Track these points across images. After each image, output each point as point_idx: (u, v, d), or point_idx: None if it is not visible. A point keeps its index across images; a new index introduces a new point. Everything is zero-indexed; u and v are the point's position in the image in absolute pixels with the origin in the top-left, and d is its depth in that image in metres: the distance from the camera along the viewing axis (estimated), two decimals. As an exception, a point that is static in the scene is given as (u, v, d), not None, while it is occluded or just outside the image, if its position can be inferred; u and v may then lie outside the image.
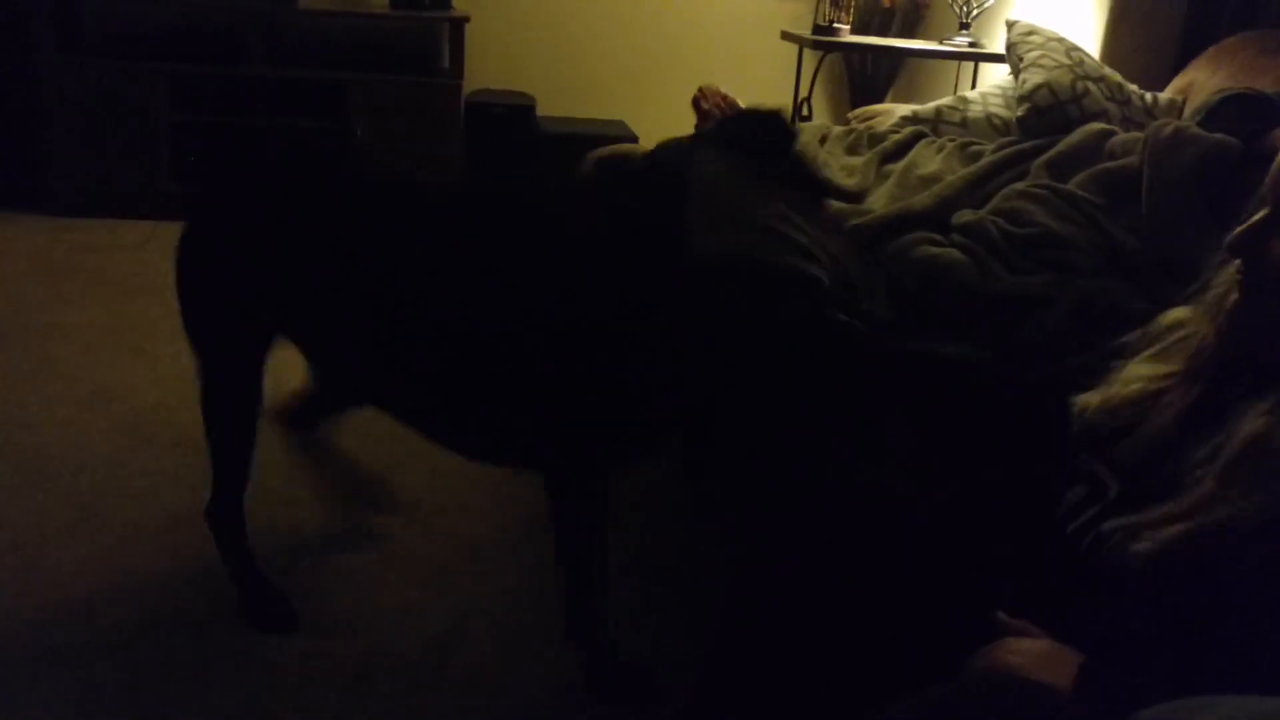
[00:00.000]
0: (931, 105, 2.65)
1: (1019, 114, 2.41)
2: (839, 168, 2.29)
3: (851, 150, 2.48)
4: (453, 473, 2.34)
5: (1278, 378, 1.01)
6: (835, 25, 3.75)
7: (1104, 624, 1.02)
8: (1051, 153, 2.12)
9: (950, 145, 2.30)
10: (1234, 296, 1.07)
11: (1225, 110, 2.10)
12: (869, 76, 4.49)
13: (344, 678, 1.72)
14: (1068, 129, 2.26)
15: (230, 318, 1.73)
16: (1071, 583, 1.09)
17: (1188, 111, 2.45)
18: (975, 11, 3.76)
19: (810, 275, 1.47)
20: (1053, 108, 2.37)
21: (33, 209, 3.95)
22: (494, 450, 1.72)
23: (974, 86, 3.85)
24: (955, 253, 1.82)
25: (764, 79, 4.46)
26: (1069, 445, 1.19)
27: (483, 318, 1.53)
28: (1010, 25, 2.75)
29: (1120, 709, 0.84)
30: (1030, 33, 2.66)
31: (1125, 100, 2.49)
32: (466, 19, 4.17)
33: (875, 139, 2.47)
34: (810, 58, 3.93)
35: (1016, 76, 2.58)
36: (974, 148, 2.27)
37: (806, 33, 3.82)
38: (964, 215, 1.95)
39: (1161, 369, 1.14)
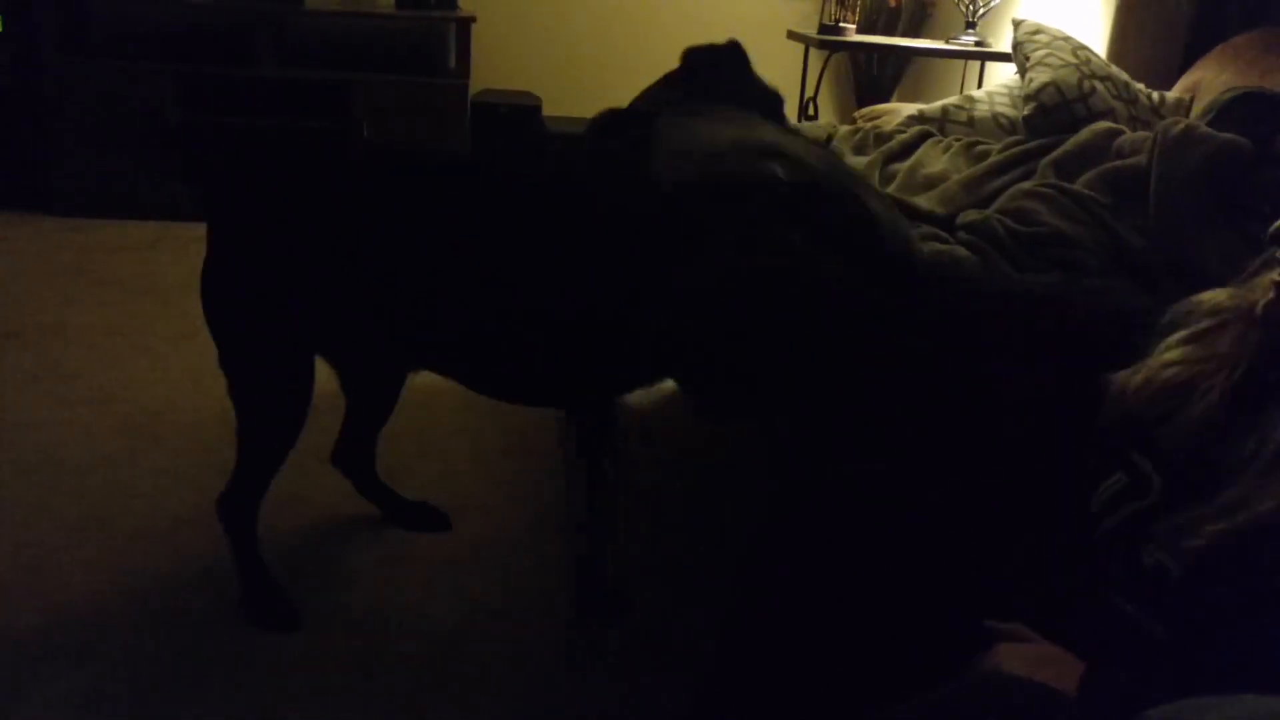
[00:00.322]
0: (938, 104, 2.65)
1: (1025, 113, 2.41)
2: None
3: (858, 150, 2.48)
4: (461, 472, 2.35)
5: None
6: (841, 24, 3.75)
7: (1127, 623, 1.02)
8: (1058, 152, 2.12)
9: (956, 145, 2.29)
10: (1275, 287, 1.06)
11: (1235, 109, 2.09)
12: (875, 76, 4.49)
13: (351, 676, 1.72)
14: (1074, 128, 2.26)
15: (281, 333, 1.69)
16: (1096, 579, 1.08)
17: (1196, 110, 2.45)
18: (981, 10, 3.75)
19: (767, 172, 1.49)
20: (1059, 107, 2.36)
21: (39, 210, 3.96)
22: (523, 391, 1.80)
23: (980, 86, 3.84)
24: (962, 250, 1.81)
25: (770, 78, 4.46)
26: (1104, 431, 1.16)
27: (494, 271, 1.59)
28: (1016, 24, 2.74)
29: (1124, 712, 0.84)
30: (1036, 32, 2.66)
31: (1132, 99, 2.48)
32: (472, 19, 4.17)
33: (881, 139, 2.47)
34: (816, 57, 3.93)
35: (1023, 75, 2.57)
36: (980, 147, 2.27)
37: (812, 32, 3.82)
38: (970, 214, 1.95)
39: (1199, 352, 1.12)
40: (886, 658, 1.11)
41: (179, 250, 3.62)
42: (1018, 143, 2.24)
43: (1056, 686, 0.94)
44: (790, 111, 3.98)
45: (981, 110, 2.60)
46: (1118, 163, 2.00)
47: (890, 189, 2.18)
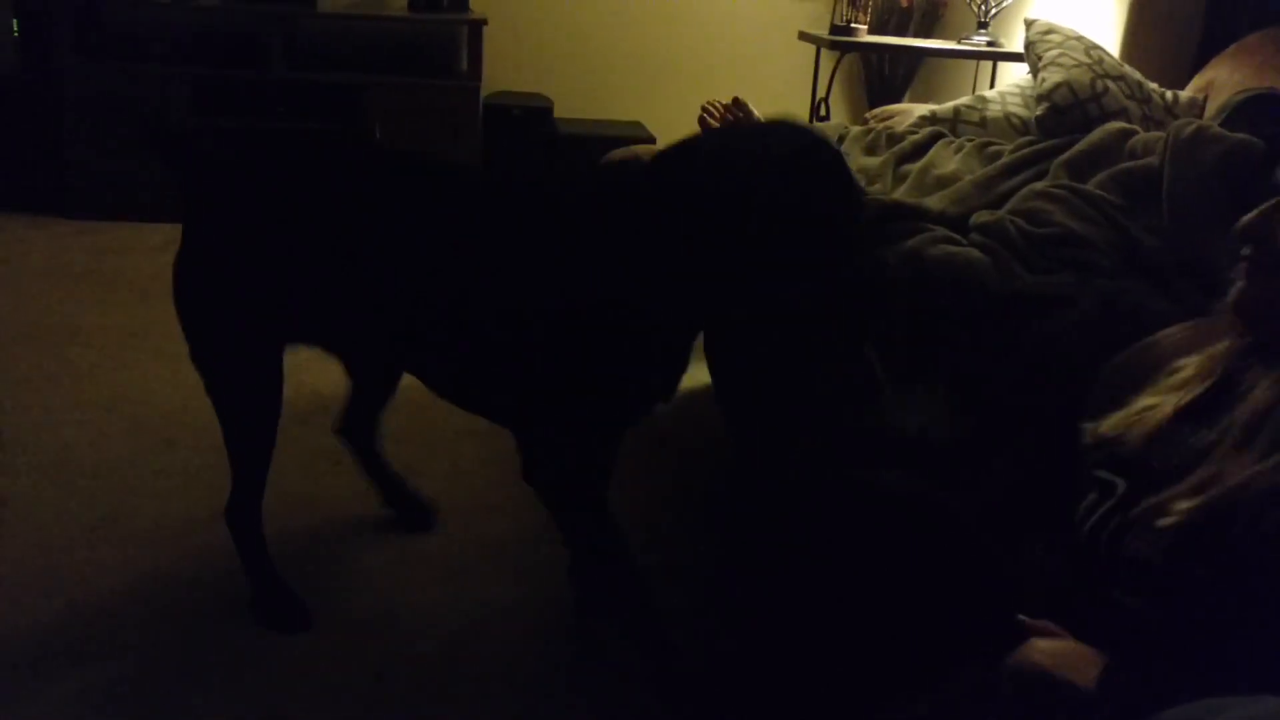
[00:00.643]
0: (950, 105, 2.64)
1: (1038, 113, 2.40)
2: (856, 169, 2.28)
3: (869, 151, 2.48)
4: (471, 472, 2.35)
5: None
6: (853, 25, 3.74)
7: (1127, 617, 1.02)
8: (1071, 152, 2.11)
9: (969, 145, 2.29)
10: (1245, 275, 1.09)
11: (1248, 110, 2.08)
12: (887, 76, 4.48)
13: (363, 677, 1.73)
14: (1087, 128, 2.25)
15: (247, 326, 1.71)
16: (1092, 581, 1.09)
17: (1210, 110, 2.43)
18: (993, 10, 3.74)
19: None
20: (1072, 106, 2.35)
21: (53, 212, 3.98)
22: (487, 406, 1.72)
23: (992, 86, 3.83)
24: (974, 252, 1.81)
25: (781, 79, 4.46)
26: (1080, 458, 1.19)
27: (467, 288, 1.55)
28: (1029, 24, 2.73)
29: (1143, 708, 0.84)
30: (1049, 31, 2.64)
31: (1145, 99, 2.47)
32: (484, 21, 4.18)
33: (893, 139, 2.46)
34: (828, 58, 3.93)
35: (1035, 75, 2.56)
36: (993, 148, 2.26)
37: (824, 33, 3.82)
38: (982, 215, 1.94)
39: (1169, 387, 1.16)
40: (921, 653, 1.11)
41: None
42: (1030, 143, 2.23)
43: (1080, 683, 0.95)
44: (802, 113, 3.98)
45: (994, 110, 2.58)
46: (1130, 163, 1.99)
47: (902, 189, 2.17)
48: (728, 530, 1.73)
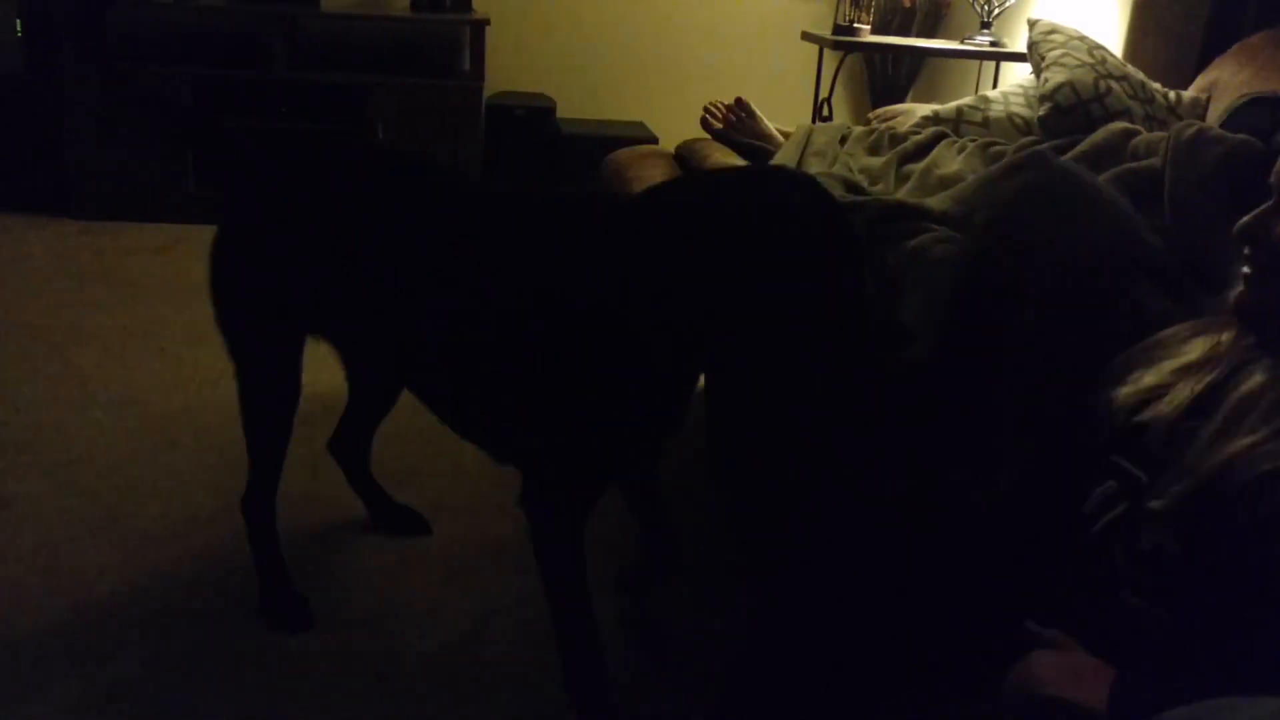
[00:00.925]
0: (953, 105, 2.64)
1: (1041, 113, 2.40)
2: (859, 169, 2.28)
3: (872, 151, 2.47)
4: (474, 473, 2.35)
5: None
6: (856, 25, 3.74)
7: (1133, 618, 1.02)
8: (1074, 152, 2.11)
9: (972, 145, 2.28)
10: (1244, 279, 1.10)
11: (1249, 112, 2.08)
12: (889, 76, 4.48)
13: (365, 677, 1.73)
14: (1090, 128, 2.24)
15: (267, 315, 1.74)
16: (1100, 580, 1.08)
17: (1213, 114, 2.43)
18: (996, 10, 3.74)
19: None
20: (1075, 107, 2.35)
21: (57, 212, 3.99)
22: (488, 438, 1.70)
23: (995, 86, 3.83)
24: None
25: (784, 79, 4.46)
26: (1100, 446, 1.18)
27: (470, 307, 1.53)
28: (1032, 24, 2.73)
29: None
30: (1052, 31, 2.64)
31: (1148, 99, 2.47)
32: (487, 21, 4.18)
33: (896, 139, 2.46)
34: (831, 58, 3.92)
35: (1038, 75, 2.56)
36: (996, 148, 2.26)
37: (827, 33, 3.82)
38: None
39: (1174, 366, 1.17)
40: (926, 660, 1.11)
41: (195, 252, 3.61)
42: (1033, 143, 2.23)
43: (1087, 704, 0.94)
44: (804, 113, 3.99)
45: (997, 111, 2.58)
46: (1133, 164, 1.99)
47: (905, 189, 2.16)
48: (729, 533, 1.72)
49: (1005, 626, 1.05)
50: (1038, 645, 1.02)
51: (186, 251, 3.69)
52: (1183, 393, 1.11)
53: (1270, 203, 1.09)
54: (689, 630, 1.89)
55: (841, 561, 1.20)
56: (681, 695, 1.72)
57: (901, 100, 4.26)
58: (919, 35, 4.17)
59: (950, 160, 2.24)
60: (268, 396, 1.80)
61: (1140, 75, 2.54)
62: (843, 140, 2.55)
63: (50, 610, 1.83)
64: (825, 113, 3.91)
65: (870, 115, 3.05)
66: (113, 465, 2.30)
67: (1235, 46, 2.65)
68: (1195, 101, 2.53)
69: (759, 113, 2.69)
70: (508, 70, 4.46)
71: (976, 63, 4.06)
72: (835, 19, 3.82)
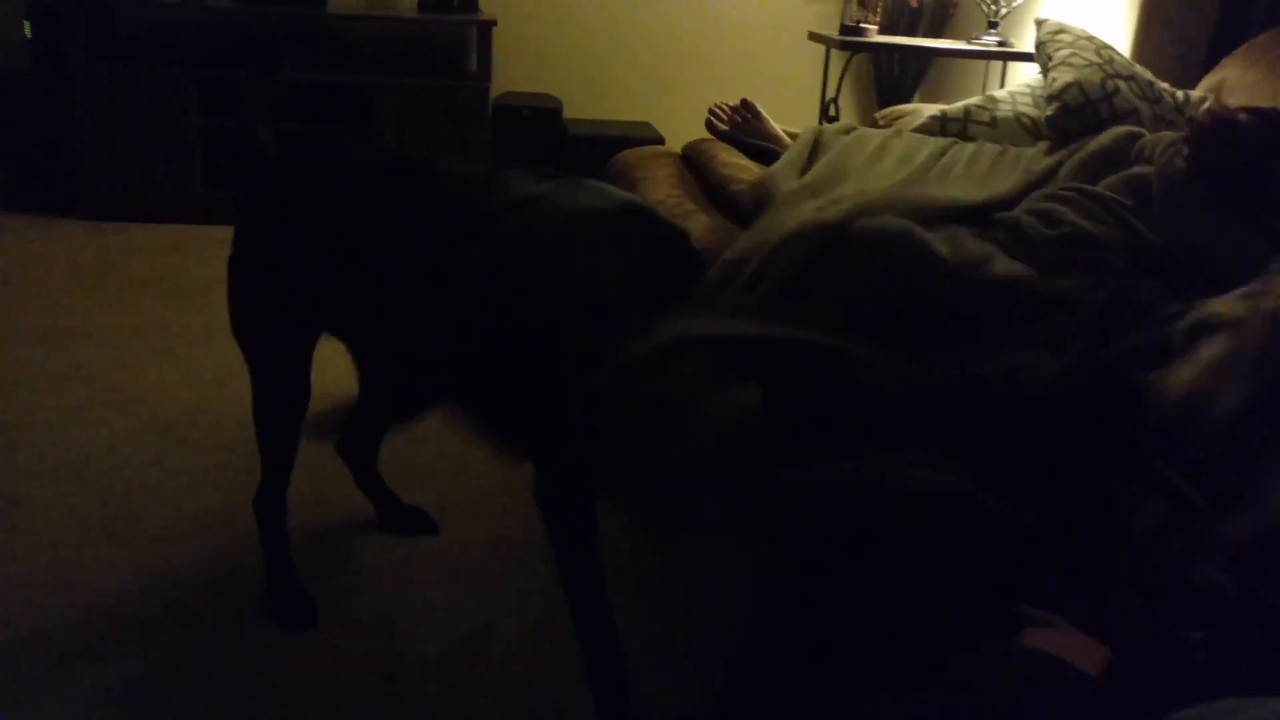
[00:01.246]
0: (960, 105, 2.64)
1: (1048, 113, 2.39)
2: (876, 173, 2.26)
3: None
4: (481, 474, 2.35)
5: None
6: (862, 25, 3.74)
7: (1183, 649, 0.99)
8: (1082, 154, 2.10)
9: (986, 155, 2.25)
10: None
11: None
12: (896, 76, 4.47)
13: (372, 677, 1.73)
14: (1098, 128, 2.24)
15: (282, 315, 1.75)
16: (1151, 609, 1.05)
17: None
18: (1004, 10, 3.74)
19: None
20: (1083, 106, 2.35)
21: (66, 213, 4.00)
22: (503, 430, 1.71)
23: (1002, 86, 3.82)
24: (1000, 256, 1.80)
25: (791, 80, 4.46)
26: (1142, 447, 1.14)
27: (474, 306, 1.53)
28: (1039, 24, 2.73)
29: (1148, 706, 0.83)
30: (1059, 31, 2.64)
31: (1156, 98, 2.46)
32: (494, 22, 4.19)
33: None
34: (837, 58, 3.92)
35: (1046, 75, 2.56)
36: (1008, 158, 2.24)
37: (833, 33, 3.81)
38: (1002, 214, 1.94)
39: (1218, 358, 1.11)
40: (919, 645, 1.09)
41: (202, 253, 3.65)
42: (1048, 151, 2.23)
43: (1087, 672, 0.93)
44: (811, 114, 3.99)
45: (1004, 110, 2.58)
46: (1137, 169, 1.99)
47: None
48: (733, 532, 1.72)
49: (998, 609, 1.04)
50: (1030, 624, 1.01)
51: (194, 252, 3.70)
52: (1231, 403, 1.06)
53: None
54: (696, 623, 1.89)
55: (846, 554, 1.20)
56: (692, 688, 1.72)
57: (908, 100, 4.25)
58: (926, 35, 4.16)
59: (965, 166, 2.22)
60: (280, 397, 1.82)
61: (1148, 75, 2.54)
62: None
63: (58, 609, 1.84)
64: (832, 113, 3.91)
65: (877, 115, 3.05)
66: (120, 465, 2.31)
67: (1243, 46, 2.65)
68: (1203, 101, 2.53)
69: (764, 113, 2.69)
70: (515, 71, 4.47)
71: (984, 63, 4.05)
72: (842, 19, 3.82)
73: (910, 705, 0.95)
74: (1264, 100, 2.32)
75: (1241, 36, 2.71)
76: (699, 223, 2.23)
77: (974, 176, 2.15)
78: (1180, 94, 2.54)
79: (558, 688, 1.72)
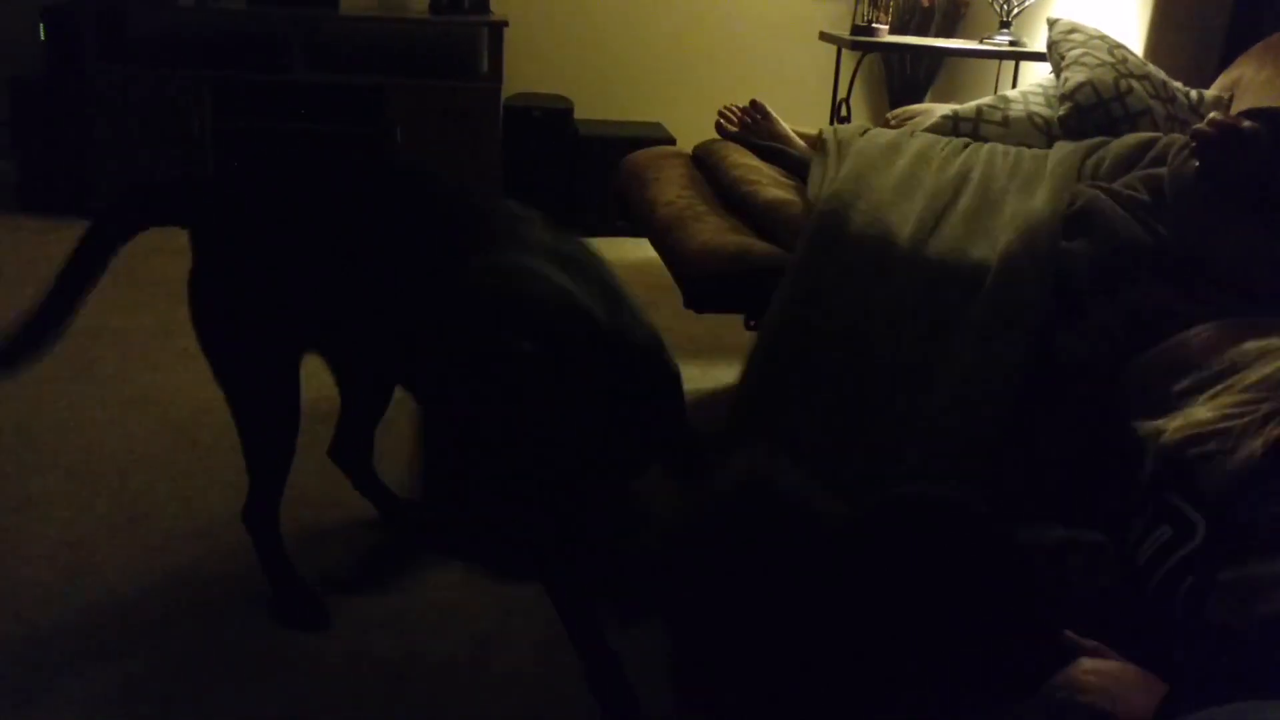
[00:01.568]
0: (972, 105, 2.63)
1: (1061, 113, 2.39)
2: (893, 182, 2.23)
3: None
4: (491, 474, 2.35)
5: None
6: (874, 25, 3.73)
7: (1190, 671, 0.97)
8: (1095, 159, 2.09)
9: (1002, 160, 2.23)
10: None
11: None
12: (908, 76, 4.46)
13: (385, 677, 1.73)
14: (1111, 127, 2.23)
15: (259, 331, 1.72)
16: (1157, 633, 1.04)
17: (1234, 113, 2.41)
18: (1016, 10, 3.72)
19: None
20: (1095, 106, 2.34)
21: (79, 214, 4.00)
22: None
23: (1015, 86, 3.81)
24: None
25: (802, 80, 4.45)
26: (1146, 480, 1.13)
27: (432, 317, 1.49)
28: (1051, 23, 2.72)
29: None
30: (1072, 30, 2.63)
31: (1170, 98, 2.45)
32: (505, 23, 4.19)
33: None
34: (849, 58, 3.91)
35: (1058, 75, 2.55)
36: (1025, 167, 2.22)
37: (845, 33, 3.81)
38: None
39: (1244, 396, 1.10)
40: (965, 669, 1.07)
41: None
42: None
43: (1126, 714, 0.90)
44: (823, 114, 3.98)
45: (1016, 110, 2.57)
46: (1152, 170, 1.98)
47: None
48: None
49: (1041, 637, 1.02)
50: (1080, 654, 0.99)
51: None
52: (1255, 444, 1.03)
53: None
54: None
55: (860, 570, 1.18)
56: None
57: (920, 100, 4.24)
58: (938, 35, 4.15)
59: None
60: (265, 415, 1.79)
61: (1162, 74, 2.53)
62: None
63: (70, 608, 1.84)
64: (844, 113, 3.91)
65: (889, 115, 3.04)
66: (133, 465, 2.32)
67: (1258, 45, 2.63)
68: (1217, 100, 2.52)
69: (774, 114, 2.69)
70: (526, 71, 4.47)
71: (996, 62, 4.04)
72: (853, 19, 3.81)
73: None
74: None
75: (1256, 35, 2.70)
76: (709, 224, 2.23)
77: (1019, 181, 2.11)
78: (1194, 93, 2.52)
79: (569, 689, 1.72)
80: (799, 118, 2.82)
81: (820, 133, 2.34)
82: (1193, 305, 1.56)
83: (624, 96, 4.62)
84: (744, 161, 2.47)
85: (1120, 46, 2.56)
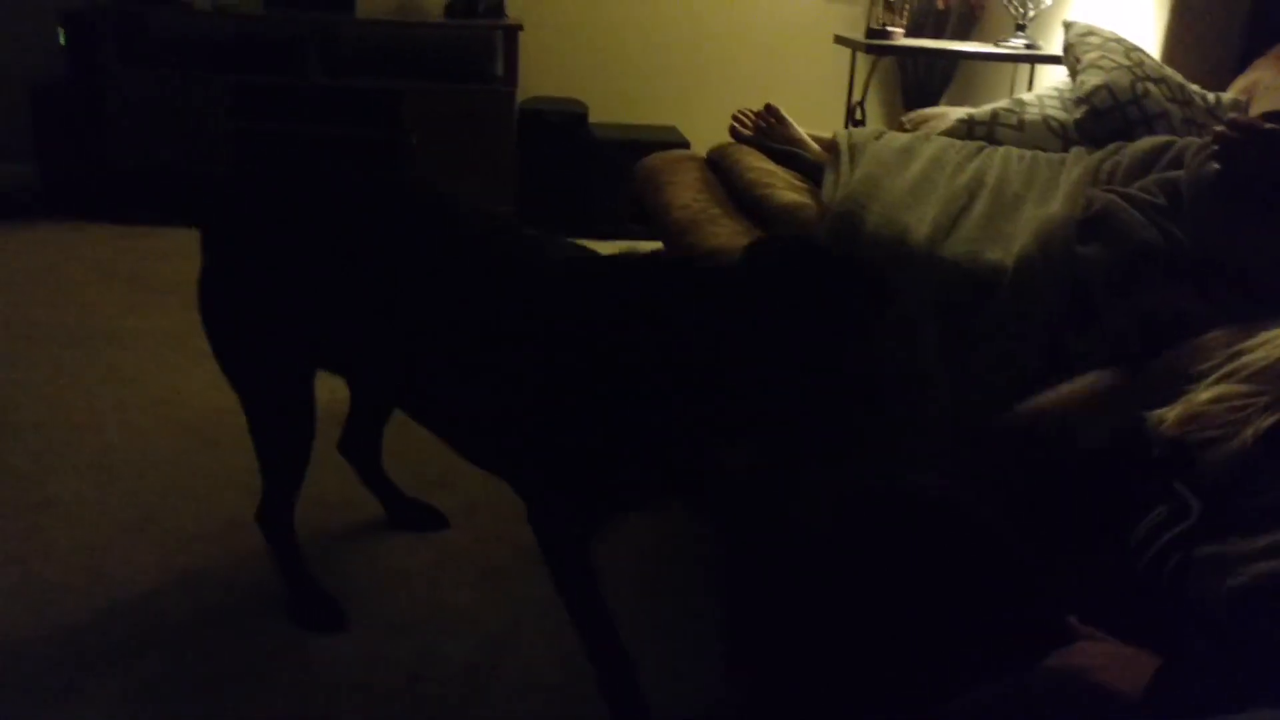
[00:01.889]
0: (987, 108, 2.62)
1: (1077, 116, 2.38)
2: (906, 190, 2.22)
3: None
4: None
5: None
6: (889, 28, 3.73)
7: (1177, 649, 0.98)
8: (1110, 162, 2.08)
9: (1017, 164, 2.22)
10: None
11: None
12: (923, 80, 4.45)
13: (398, 678, 1.74)
14: (1127, 131, 2.22)
15: (270, 342, 1.73)
16: (1145, 608, 1.05)
17: (1252, 116, 2.40)
18: (1032, 12, 3.71)
19: None
20: (1112, 109, 2.33)
21: (97, 217, 4.04)
22: (490, 461, 1.70)
23: (1030, 89, 3.80)
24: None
25: (817, 83, 4.45)
26: (1149, 465, 1.15)
27: (468, 335, 1.53)
28: (1068, 26, 2.71)
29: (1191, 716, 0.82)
30: (1088, 33, 2.62)
31: (1187, 101, 2.44)
32: (520, 27, 4.20)
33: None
34: (863, 61, 3.91)
35: (1074, 78, 2.54)
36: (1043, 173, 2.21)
37: (859, 36, 3.80)
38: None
39: (1243, 387, 1.11)
40: (963, 653, 1.09)
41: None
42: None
43: (1120, 689, 0.92)
44: (837, 118, 3.98)
45: (1032, 114, 2.56)
46: (1169, 174, 1.97)
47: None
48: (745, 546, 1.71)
49: (1042, 624, 1.03)
50: (1076, 639, 1.01)
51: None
52: (1246, 433, 1.05)
53: None
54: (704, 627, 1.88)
55: (863, 562, 1.19)
56: (712, 696, 1.71)
57: (935, 104, 4.23)
58: (953, 38, 4.14)
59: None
60: (280, 424, 1.80)
61: (1179, 77, 2.51)
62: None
63: (88, 609, 1.86)
64: (858, 116, 3.90)
65: (904, 119, 3.04)
66: (151, 467, 2.33)
67: (1276, 48, 2.62)
68: (1235, 103, 2.50)
69: (789, 118, 2.69)
70: (540, 75, 4.48)
71: (1011, 66, 4.03)
72: (868, 22, 3.81)
73: None
74: (1298, 102, 2.29)
75: (1273, 38, 2.68)
76: (724, 228, 2.23)
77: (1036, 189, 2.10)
78: (1211, 96, 2.51)
79: (584, 691, 1.72)
80: (813, 122, 2.81)
81: (834, 136, 2.34)
82: (1209, 309, 1.56)
83: (638, 100, 4.63)
84: (759, 165, 2.46)
85: (1137, 49, 2.55)
